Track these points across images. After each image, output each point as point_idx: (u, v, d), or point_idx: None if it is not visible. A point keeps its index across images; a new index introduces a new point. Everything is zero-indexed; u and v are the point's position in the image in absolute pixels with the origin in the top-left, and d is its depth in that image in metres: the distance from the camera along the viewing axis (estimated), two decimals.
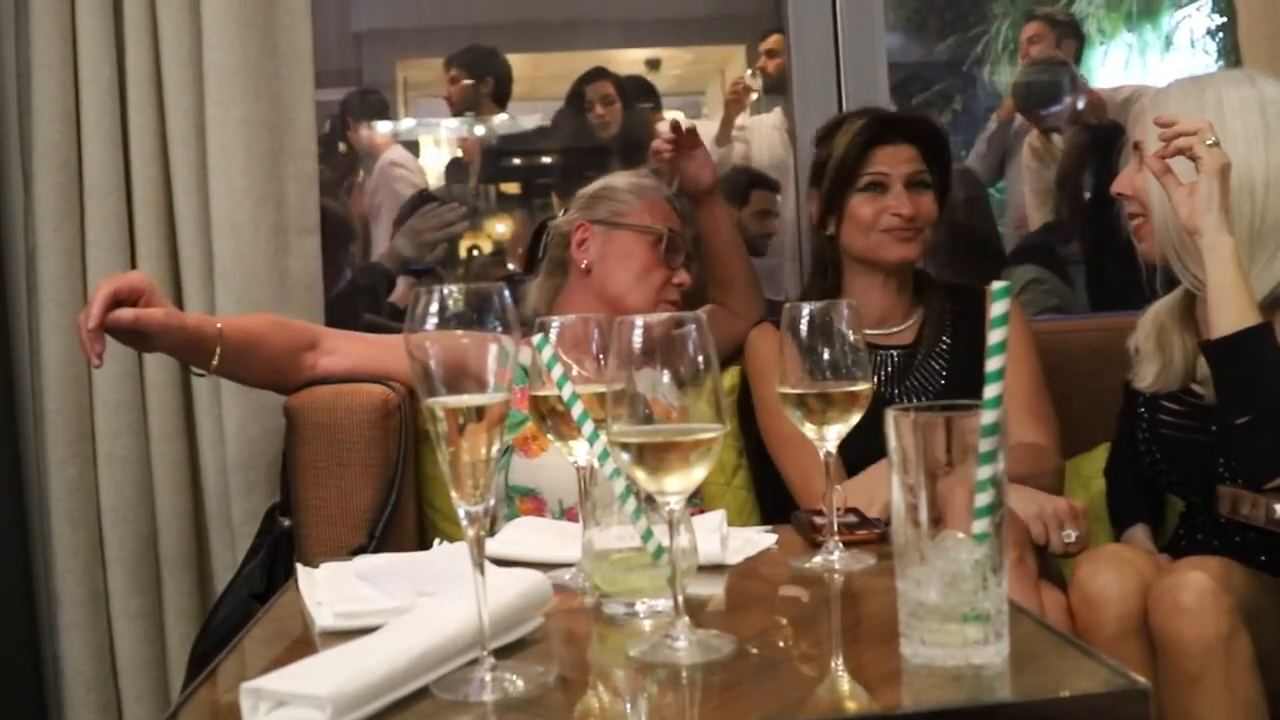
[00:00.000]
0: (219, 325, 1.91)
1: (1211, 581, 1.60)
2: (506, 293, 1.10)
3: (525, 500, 2.05)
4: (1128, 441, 2.09)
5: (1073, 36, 4.49)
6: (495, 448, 1.05)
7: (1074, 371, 2.28)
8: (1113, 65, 5.27)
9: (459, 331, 1.05)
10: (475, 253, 3.92)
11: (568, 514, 2.03)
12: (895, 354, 2.21)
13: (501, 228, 4.18)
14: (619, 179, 2.28)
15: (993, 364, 1.04)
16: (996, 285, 1.03)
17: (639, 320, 1.11)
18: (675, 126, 2.24)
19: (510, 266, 3.81)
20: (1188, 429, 1.96)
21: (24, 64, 2.21)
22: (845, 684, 1.07)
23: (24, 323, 2.29)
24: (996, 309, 1.04)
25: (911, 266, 2.22)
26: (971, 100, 5.42)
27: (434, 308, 1.05)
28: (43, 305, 2.19)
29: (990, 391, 1.03)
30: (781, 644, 1.18)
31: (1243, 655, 1.59)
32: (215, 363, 1.89)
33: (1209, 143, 1.72)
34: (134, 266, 2.23)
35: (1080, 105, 3.89)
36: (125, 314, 1.77)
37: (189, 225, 2.23)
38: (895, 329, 2.23)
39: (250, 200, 2.21)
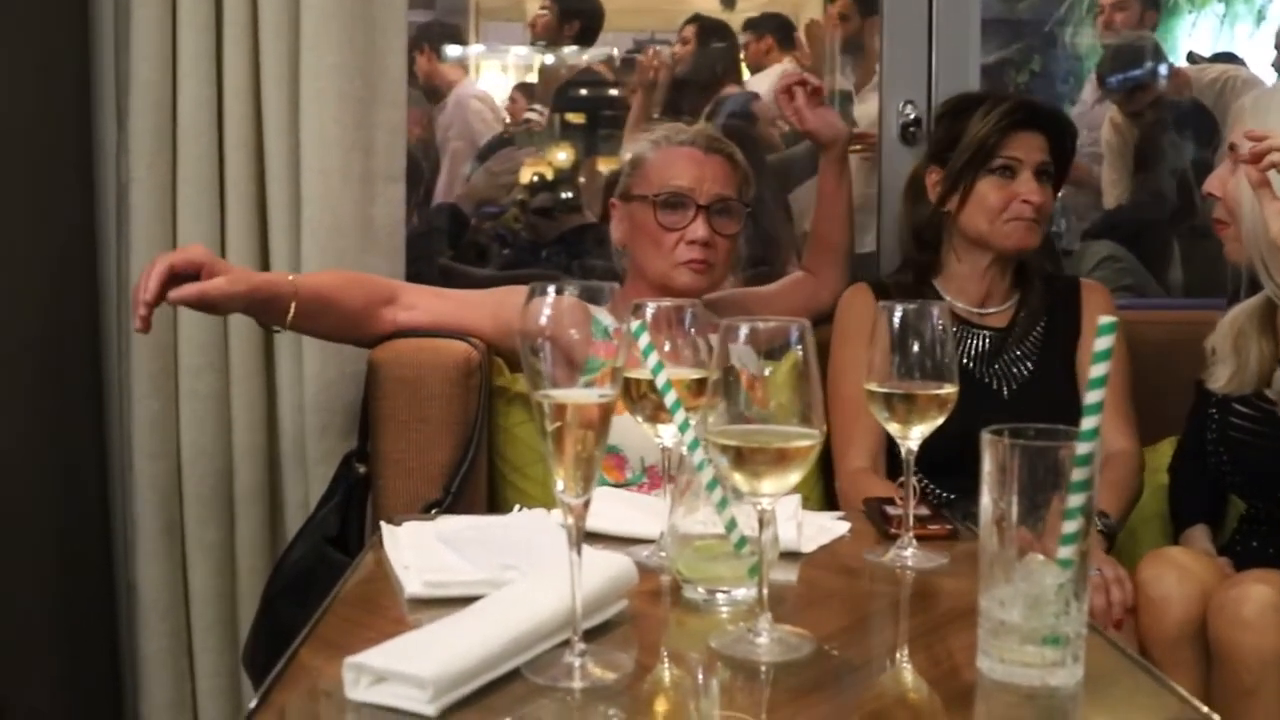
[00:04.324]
0: (292, 282, 1.94)
1: (1275, 595, 1.62)
2: (615, 287, 1.13)
3: (607, 457, 2.05)
4: (1195, 440, 2.10)
5: (1154, 7, 4.42)
6: (602, 444, 1.08)
7: (1144, 365, 2.27)
8: (1201, 37, 5.16)
9: (565, 296, 1.08)
10: (536, 179, 3.92)
11: (649, 471, 2.05)
12: (987, 335, 2.22)
13: (563, 155, 4.19)
14: (643, 141, 2.21)
15: (1092, 397, 1.05)
16: (1103, 320, 1.04)
17: (744, 323, 1.14)
18: (800, 82, 2.32)
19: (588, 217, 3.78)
20: (1257, 434, 1.96)
21: (122, 1, 2.23)
22: (922, 697, 1.11)
23: (113, 258, 2.33)
24: (1101, 344, 1.05)
25: (1021, 254, 2.22)
26: (1051, 62, 5.33)
27: (547, 304, 1.08)
28: (133, 242, 2.23)
29: (1088, 423, 1.05)
30: (858, 646, 1.21)
31: None
32: (290, 319, 1.92)
33: None
34: (222, 207, 2.26)
35: (1163, 82, 3.85)
36: (188, 291, 1.80)
37: (278, 168, 2.25)
38: (992, 310, 2.24)
39: (340, 147, 2.23)
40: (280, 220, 2.27)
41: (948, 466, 1.79)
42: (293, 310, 1.91)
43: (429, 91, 4.16)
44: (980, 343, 2.21)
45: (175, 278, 1.81)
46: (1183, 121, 3.80)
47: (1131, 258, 3.34)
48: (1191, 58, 4.48)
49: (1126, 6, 4.27)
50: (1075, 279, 2.34)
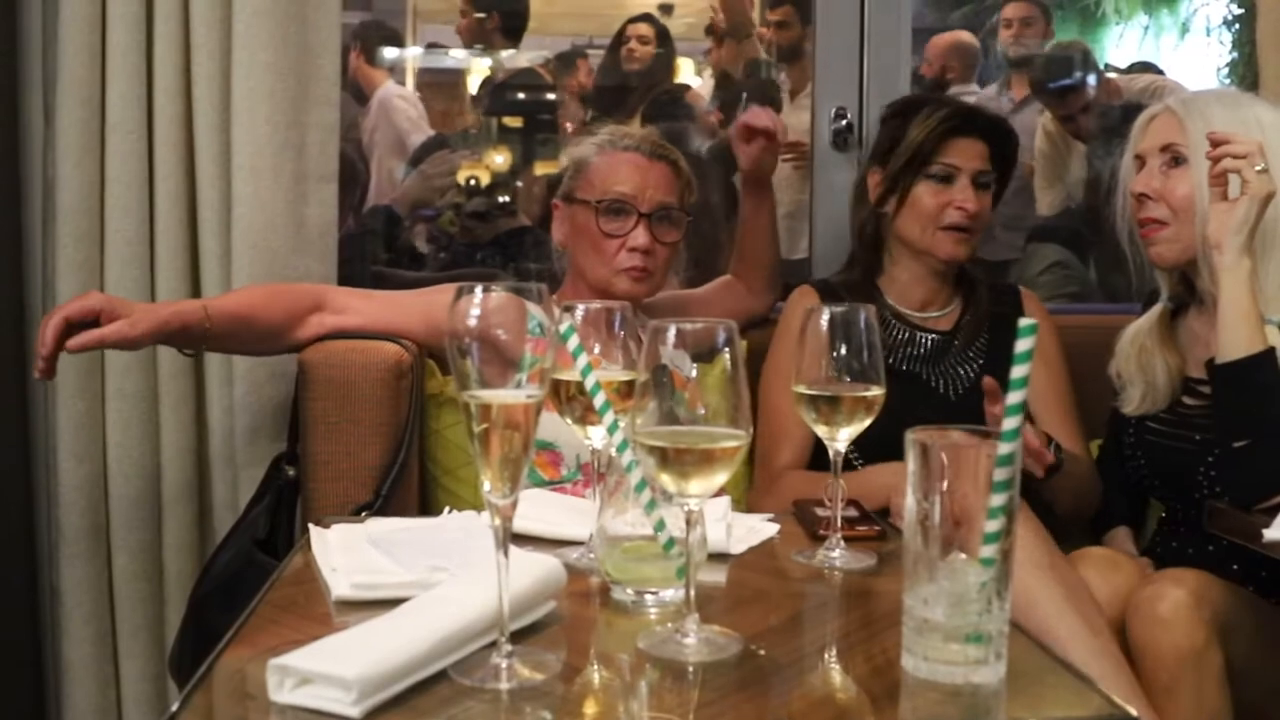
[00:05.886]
0: (204, 307, 1.92)
1: (1189, 595, 1.65)
2: (544, 288, 1.14)
3: (542, 454, 2.05)
4: (1115, 445, 2.14)
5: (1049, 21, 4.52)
6: (529, 444, 1.08)
7: (1071, 368, 2.31)
8: (1127, 47, 5.27)
9: (495, 295, 1.09)
10: (473, 183, 3.91)
11: (584, 468, 2.05)
12: (933, 337, 2.24)
13: (499, 158, 4.19)
14: (587, 144, 2.19)
15: (1013, 397, 1.07)
16: (1023, 322, 1.06)
17: (672, 325, 1.14)
18: (768, 135, 2.26)
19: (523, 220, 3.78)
20: (1173, 437, 2.00)
21: None
22: (848, 695, 1.12)
23: (39, 257, 2.29)
24: (1021, 345, 1.07)
25: (951, 265, 2.24)
26: (982, 71, 5.41)
27: (474, 305, 1.08)
28: (60, 240, 2.18)
29: (1009, 423, 1.06)
30: (785, 646, 1.22)
31: (1214, 668, 1.64)
32: (205, 344, 1.92)
33: (1258, 169, 1.74)
34: (151, 206, 2.23)
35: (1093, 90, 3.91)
36: (86, 339, 1.79)
37: (209, 167, 2.22)
38: (936, 314, 2.27)
39: (272, 147, 2.21)
40: (210, 220, 2.24)
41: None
42: (206, 335, 1.90)
43: (355, 93, 4.13)
44: (924, 345, 2.23)
45: (74, 325, 1.80)
46: (1114, 129, 3.87)
47: (1077, 263, 3.37)
48: (1107, 69, 4.57)
49: (1032, 22, 4.36)
50: (1015, 287, 2.37)
